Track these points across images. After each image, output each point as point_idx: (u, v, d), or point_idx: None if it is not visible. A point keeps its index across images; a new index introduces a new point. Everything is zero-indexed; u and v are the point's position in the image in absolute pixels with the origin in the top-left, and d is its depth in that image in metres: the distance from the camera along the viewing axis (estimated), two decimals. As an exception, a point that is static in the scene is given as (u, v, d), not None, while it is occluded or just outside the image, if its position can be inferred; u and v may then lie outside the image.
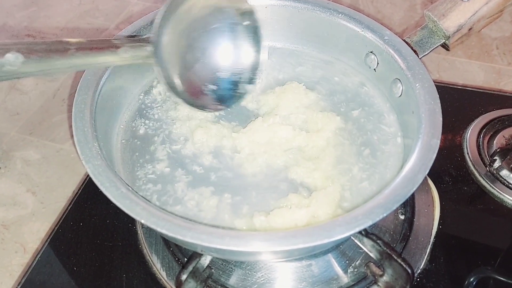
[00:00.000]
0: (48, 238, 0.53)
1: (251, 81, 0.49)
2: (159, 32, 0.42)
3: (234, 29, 0.47)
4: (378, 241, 0.40)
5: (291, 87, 0.52)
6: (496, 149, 0.58)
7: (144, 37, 0.44)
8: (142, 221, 0.34)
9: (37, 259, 0.51)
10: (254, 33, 0.48)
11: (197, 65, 0.46)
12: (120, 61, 0.41)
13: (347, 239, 0.41)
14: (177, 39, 0.44)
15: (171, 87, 0.44)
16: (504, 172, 0.56)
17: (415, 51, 0.48)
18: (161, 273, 0.48)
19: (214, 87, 0.47)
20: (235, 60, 0.48)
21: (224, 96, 0.48)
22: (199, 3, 0.45)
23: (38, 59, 0.34)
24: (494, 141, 0.60)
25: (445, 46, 0.50)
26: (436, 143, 0.39)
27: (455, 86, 0.70)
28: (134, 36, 0.50)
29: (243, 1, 0.47)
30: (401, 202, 0.36)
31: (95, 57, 0.39)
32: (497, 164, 0.56)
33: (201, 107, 0.47)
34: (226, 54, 0.47)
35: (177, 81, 0.45)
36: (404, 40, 0.49)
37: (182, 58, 0.45)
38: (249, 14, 0.47)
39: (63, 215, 0.55)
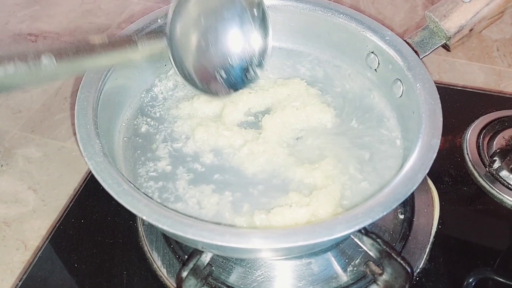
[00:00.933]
0: (49, 235, 0.53)
1: (260, 65, 0.49)
2: (172, 23, 0.44)
3: (243, 16, 0.48)
4: (378, 240, 0.41)
5: (293, 82, 0.52)
6: (496, 150, 0.59)
7: (159, 30, 0.45)
8: (144, 218, 0.34)
9: (38, 256, 0.51)
10: (263, 19, 0.48)
11: (209, 52, 0.48)
12: (140, 55, 0.43)
13: (347, 237, 0.42)
14: (189, 29, 0.46)
15: (185, 76, 0.46)
16: (504, 173, 0.56)
17: (416, 52, 0.48)
18: (162, 270, 0.49)
19: (224, 74, 0.48)
20: (245, 45, 0.49)
21: (235, 81, 0.49)
22: None
23: (68, 60, 0.36)
24: (494, 142, 0.60)
25: (446, 46, 0.51)
26: (436, 143, 0.40)
27: (455, 87, 0.70)
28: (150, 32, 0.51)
29: None
30: (401, 201, 0.36)
31: (118, 54, 0.41)
32: (496, 164, 0.56)
33: (213, 93, 0.48)
34: (236, 41, 0.48)
35: (190, 70, 0.46)
36: (405, 41, 0.49)
37: (195, 47, 0.47)
38: (256, 5, 0.48)
39: (64, 212, 0.55)
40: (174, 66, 0.46)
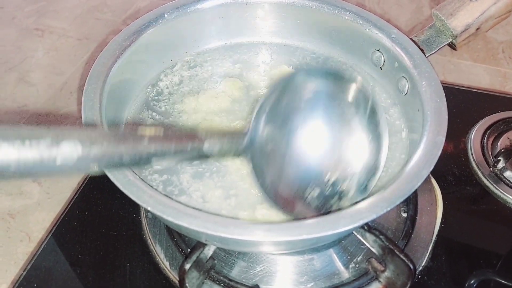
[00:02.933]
0: (53, 227, 0.54)
1: (363, 187, 0.38)
2: (255, 127, 0.36)
3: (345, 124, 0.38)
4: (381, 236, 0.41)
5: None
6: (500, 150, 0.59)
7: (237, 133, 0.37)
8: (149, 209, 0.34)
9: (42, 247, 0.52)
10: (373, 127, 0.38)
11: (297, 167, 0.38)
12: (206, 155, 0.34)
13: (350, 233, 0.42)
14: (276, 136, 0.37)
15: (265, 190, 0.37)
16: (508, 173, 0.56)
17: (422, 50, 0.48)
18: (165, 263, 0.49)
19: (314, 194, 0.38)
20: (345, 161, 0.38)
21: (326, 203, 0.38)
22: (300, 92, 0.38)
23: (100, 153, 0.27)
24: (499, 142, 0.60)
25: (452, 45, 0.51)
26: (441, 140, 0.40)
27: (460, 87, 0.70)
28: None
29: (355, 83, 0.38)
30: (405, 197, 0.36)
31: (176, 152, 0.33)
32: (501, 165, 0.56)
33: (295, 215, 0.38)
34: (334, 155, 0.38)
35: (272, 187, 0.37)
36: (411, 39, 0.49)
37: (280, 159, 0.38)
38: (363, 101, 0.38)
39: (68, 204, 0.56)
40: (252, 175, 0.37)
